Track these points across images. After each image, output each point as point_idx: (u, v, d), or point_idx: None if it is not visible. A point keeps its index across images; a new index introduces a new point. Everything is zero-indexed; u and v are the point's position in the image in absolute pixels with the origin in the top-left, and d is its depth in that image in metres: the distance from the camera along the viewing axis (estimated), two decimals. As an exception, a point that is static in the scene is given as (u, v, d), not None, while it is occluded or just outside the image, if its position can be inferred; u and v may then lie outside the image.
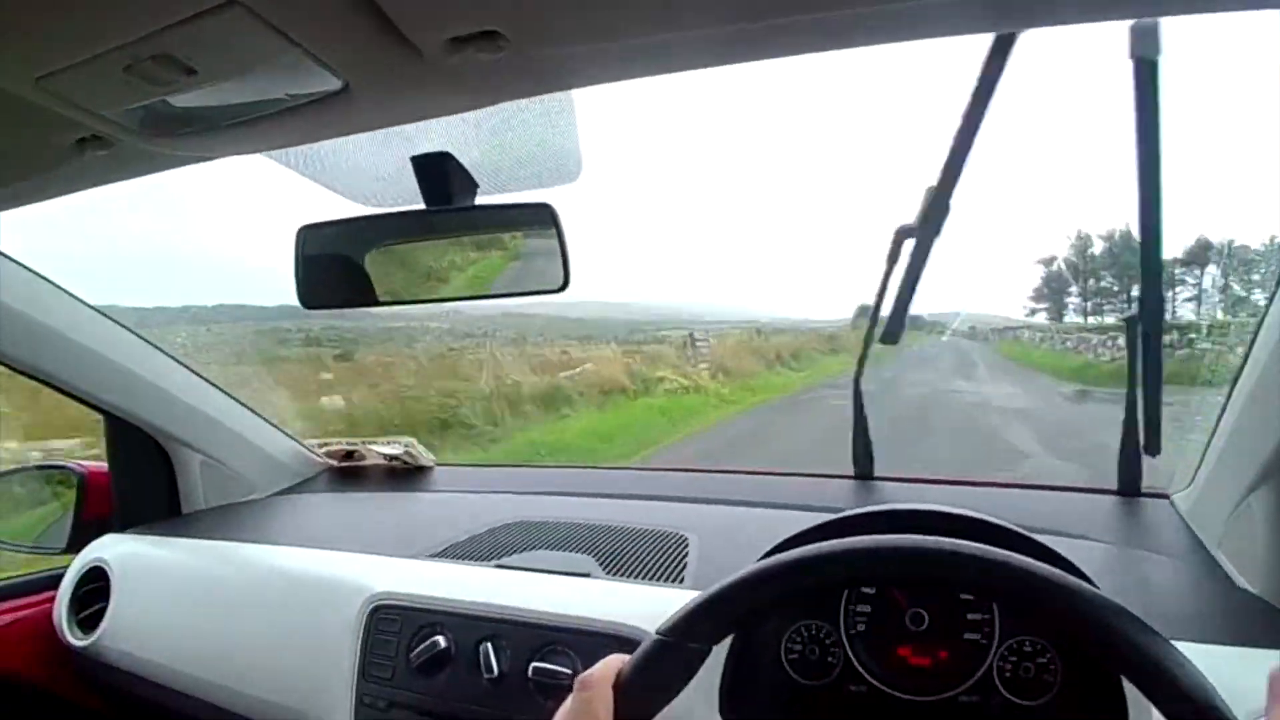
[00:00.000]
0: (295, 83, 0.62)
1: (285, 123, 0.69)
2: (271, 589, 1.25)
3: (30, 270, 1.28)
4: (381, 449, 1.73)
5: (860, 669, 0.91)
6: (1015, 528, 0.87)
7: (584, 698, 0.61)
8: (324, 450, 1.77)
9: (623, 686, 0.62)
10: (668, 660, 0.64)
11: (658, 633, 0.65)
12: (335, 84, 0.62)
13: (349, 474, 1.75)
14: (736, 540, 1.13)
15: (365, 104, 0.66)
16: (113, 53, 0.58)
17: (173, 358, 1.50)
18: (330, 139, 0.79)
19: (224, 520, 1.52)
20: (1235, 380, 0.97)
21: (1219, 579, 0.97)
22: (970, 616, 0.88)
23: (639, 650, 0.64)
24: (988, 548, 0.62)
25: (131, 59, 0.59)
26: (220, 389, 1.58)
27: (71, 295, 1.34)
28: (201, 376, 1.55)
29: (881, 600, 0.91)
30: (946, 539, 0.64)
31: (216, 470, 1.60)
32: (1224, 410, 1.00)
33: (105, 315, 1.39)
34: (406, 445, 1.71)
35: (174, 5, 0.52)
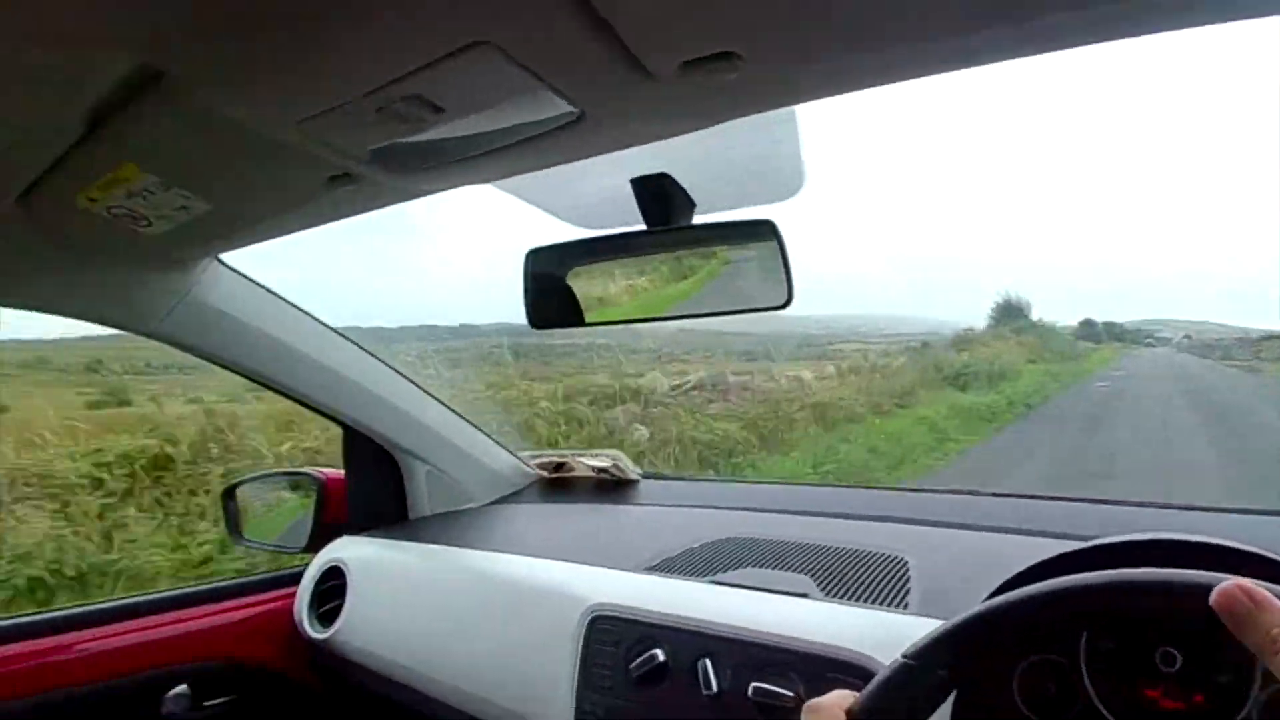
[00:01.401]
0: (533, 113, 0.65)
1: (519, 151, 0.72)
2: (493, 595, 1.30)
3: (277, 295, 1.41)
4: (590, 461, 1.77)
5: (1102, 709, 0.83)
6: None
7: None
8: (536, 462, 1.83)
9: (858, 714, 0.59)
10: (912, 686, 0.60)
11: (904, 656, 0.61)
12: (571, 112, 0.64)
13: (558, 485, 1.80)
14: (961, 564, 1.07)
15: (598, 129, 0.67)
16: (368, 96, 0.63)
17: (402, 374, 1.61)
18: (562, 164, 0.81)
19: (447, 526, 1.60)
20: None
21: None
22: (1230, 658, 0.79)
23: (881, 674, 0.61)
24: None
25: (384, 101, 0.63)
26: (444, 403, 1.67)
27: (314, 318, 1.46)
28: (428, 392, 1.64)
29: (1127, 635, 0.84)
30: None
31: (440, 479, 1.69)
32: None
33: (344, 336, 1.51)
34: (614, 458, 1.74)
35: (427, 47, 0.56)
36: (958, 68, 0.62)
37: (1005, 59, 0.60)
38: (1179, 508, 1.25)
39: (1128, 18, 0.54)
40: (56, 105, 0.72)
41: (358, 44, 0.57)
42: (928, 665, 0.60)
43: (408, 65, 0.58)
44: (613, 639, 1.09)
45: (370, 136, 0.71)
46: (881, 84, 0.64)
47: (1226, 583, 0.49)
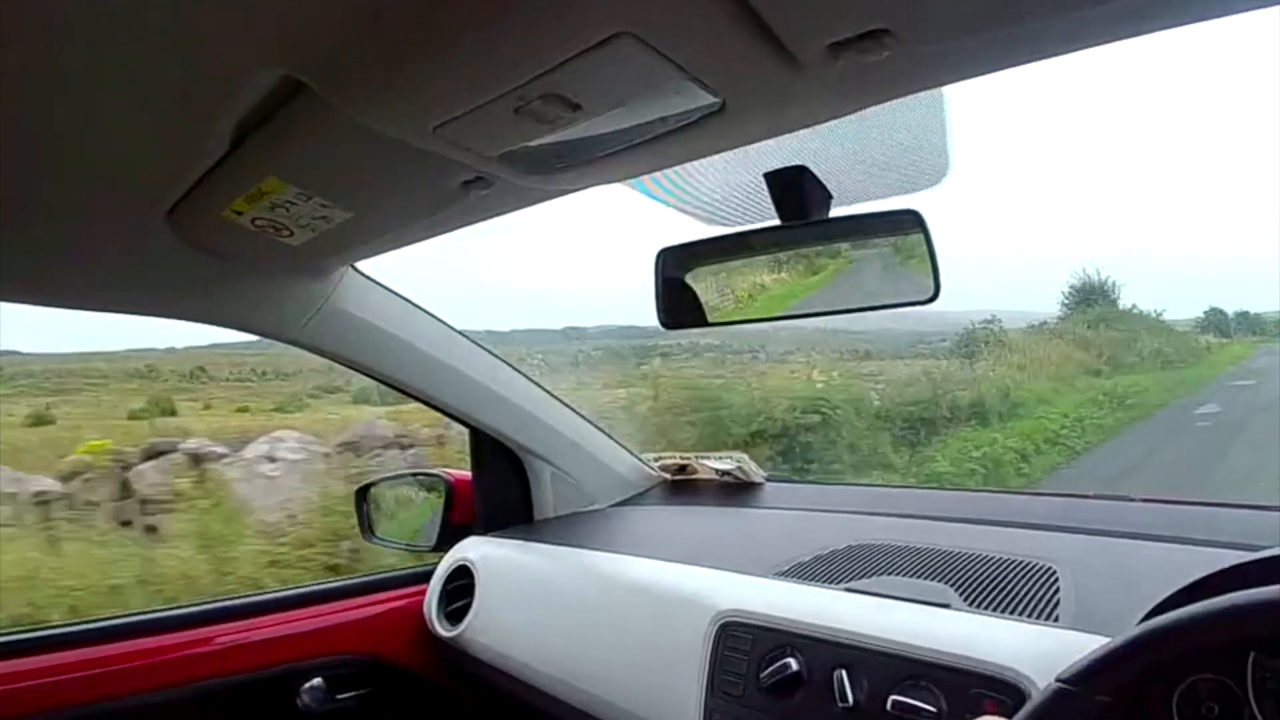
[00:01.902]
0: (673, 106, 0.63)
1: (657, 147, 0.71)
2: (619, 597, 1.30)
3: (408, 301, 1.45)
4: (713, 464, 1.75)
5: None
6: None
7: None
8: (659, 464, 1.82)
9: None
10: (1069, 713, 0.57)
11: (1060, 680, 0.57)
12: (712, 102, 0.62)
13: (681, 487, 1.79)
14: (1115, 575, 1.00)
15: (739, 120, 0.66)
16: (504, 97, 0.62)
17: (528, 377, 1.63)
18: (701, 158, 0.80)
19: (572, 528, 1.61)
20: None
21: None
22: None
23: (1036, 699, 0.57)
24: None
25: (520, 101, 0.63)
26: (568, 405, 1.69)
27: (443, 322, 1.50)
28: (552, 394, 1.66)
29: None
30: None
31: (564, 481, 1.70)
32: None
33: (471, 339, 1.54)
34: (738, 460, 1.71)
35: (565, 43, 0.55)
36: (1121, 37, 0.58)
37: (1172, 26, 0.56)
38: None
39: None
40: (204, 121, 0.75)
41: (495, 44, 0.57)
42: (1088, 690, 0.57)
43: (545, 63, 0.57)
44: (744, 646, 1.07)
45: (506, 138, 0.71)
46: (1041, 58, 0.61)
47: None
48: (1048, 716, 0.57)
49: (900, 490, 1.68)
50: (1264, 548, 0.84)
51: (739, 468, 1.70)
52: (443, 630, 1.54)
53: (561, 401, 1.68)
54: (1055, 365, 9.60)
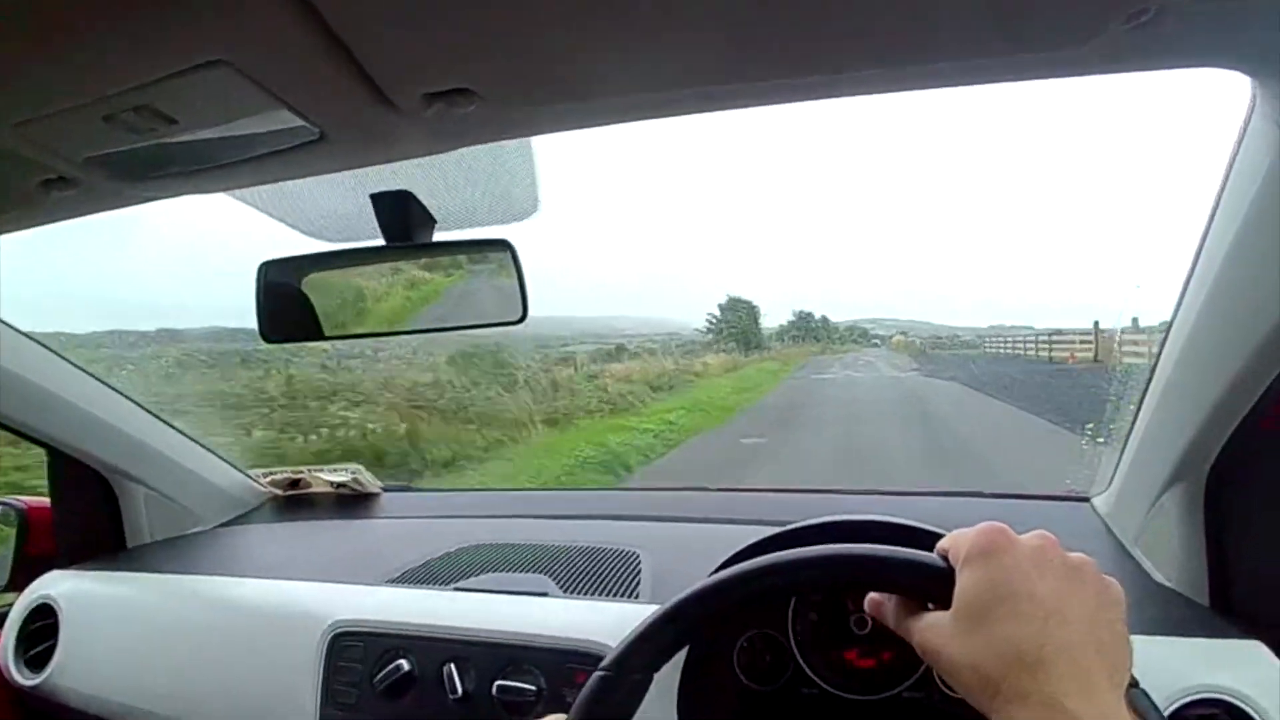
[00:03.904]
0: (273, 131, 0.65)
1: (255, 166, 0.72)
2: (227, 620, 1.25)
3: None
4: (328, 476, 1.72)
5: (809, 673, 0.96)
6: (931, 528, 0.92)
7: None
8: (269, 480, 1.76)
9: None
10: (614, 695, 0.64)
11: (600, 669, 0.65)
12: (311, 133, 0.64)
13: (295, 503, 1.74)
14: (687, 554, 1.16)
15: (338, 150, 0.68)
16: (94, 104, 0.59)
17: (114, 389, 1.47)
18: (299, 179, 0.81)
19: (172, 553, 1.50)
20: (1147, 386, 1.02)
21: (1137, 576, 1.03)
22: None
23: (584, 690, 0.64)
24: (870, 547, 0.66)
25: (112, 110, 0.60)
26: (163, 420, 1.56)
27: (8, 325, 1.31)
28: (144, 408, 1.52)
29: (827, 607, 0.96)
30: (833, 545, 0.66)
31: (161, 503, 1.57)
32: (1137, 415, 1.05)
33: (44, 346, 1.36)
34: (353, 472, 1.71)
35: (159, 62, 0.54)
36: (692, 112, 0.69)
37: (743, 106, 0.68)
38: (866, 493, 1.44)
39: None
40: None
41: (87, 53, 0.54)
42: (623, 673, 0.65)
43: (140, 78, 0.56)
44: (356, 654, 1.09)
45: (95, 144, 0.67)
46: (615, 123, 0.71)
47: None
48: (594, 702, 0.64)
49: (510, 493, 1.77)
50: (791, 522, 1.03)
51: (355, 479, 1.70)
52: (22, 679, 1.37)
53: (155, 415, 1.54)
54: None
